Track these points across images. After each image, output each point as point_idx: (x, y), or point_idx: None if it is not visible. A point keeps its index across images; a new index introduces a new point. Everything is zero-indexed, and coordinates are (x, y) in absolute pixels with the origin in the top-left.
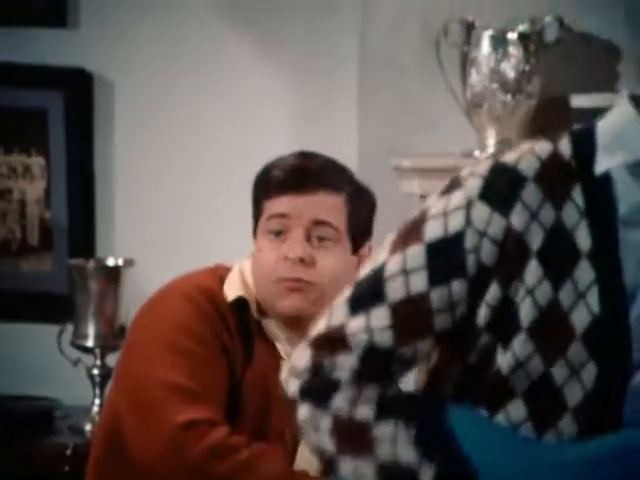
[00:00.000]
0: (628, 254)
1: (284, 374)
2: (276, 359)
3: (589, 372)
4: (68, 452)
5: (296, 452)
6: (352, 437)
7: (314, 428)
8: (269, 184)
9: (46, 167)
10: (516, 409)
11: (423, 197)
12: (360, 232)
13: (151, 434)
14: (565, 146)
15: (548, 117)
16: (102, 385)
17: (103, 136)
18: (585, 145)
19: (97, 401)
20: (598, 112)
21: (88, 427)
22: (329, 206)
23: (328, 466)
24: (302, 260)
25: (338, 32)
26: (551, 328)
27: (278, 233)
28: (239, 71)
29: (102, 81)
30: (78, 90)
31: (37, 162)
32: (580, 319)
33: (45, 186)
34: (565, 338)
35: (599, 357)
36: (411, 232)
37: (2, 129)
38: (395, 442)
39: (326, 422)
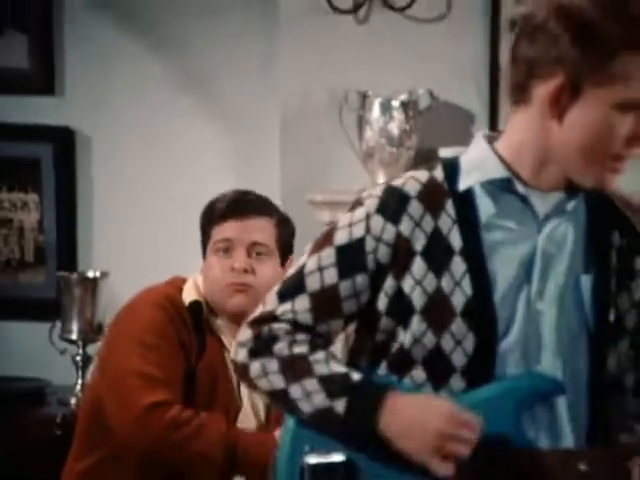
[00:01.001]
0: (489, 250)
1: (232, 353)
2: (222, 352)
3: (469, 341)
4: (58, 420)
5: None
6: (295, 367)
7: (265, 375)
8: (214, 214)
9: (39, 202)
10: (417, 374)
11: (331, 223)
12: (285, 249)
13: (125, 413)
14: (439, 172)
15: (423, 164)
16: (83, 369)
17: (83, 178)
18: (453, 170)
19: (79, 381)
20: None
21: (73, 401)
22: (262, 228)
23: (282, 400)
24: (245, 270)
25: (264, 97)
26: (437, 309)
27: (225, 251)
28: (186, 129)
29: (82, 136)
30: (64, 143)
31: (32, 198)
32: (458, 301)
33: (39, 217)
34: (449, 316)
35: (475, 329)
36: (324, 239)
37: (5, 173)
38: (328, 362)
39: (273, 364)
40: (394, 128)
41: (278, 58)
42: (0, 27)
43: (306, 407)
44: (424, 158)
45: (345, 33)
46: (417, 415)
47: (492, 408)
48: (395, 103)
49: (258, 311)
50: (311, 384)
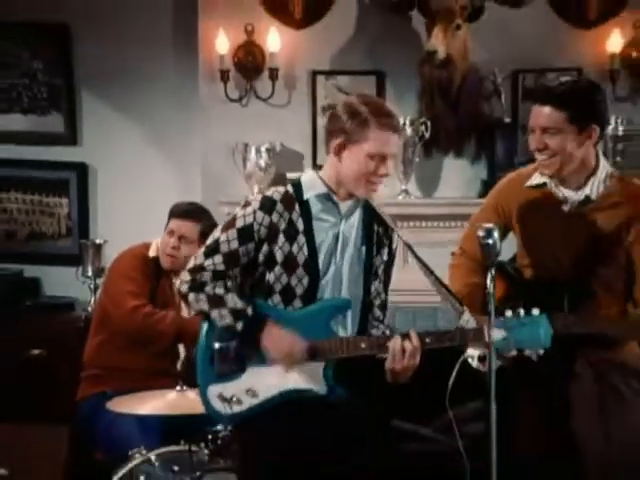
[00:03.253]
0: (317, 231)
1: (177, 285)
2: (170, 283)
3: (305, 280)
4: (82, 318)
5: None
6: (215, 300)
7: (197, 302)
8: (172, 213)
9: (68, 203)
10: (275, 298)
11: (229, 214)
12: (205, 239)
13: (120, 312)
14: (290, 188)
15: (280, 183)
16: (95, 292)
17: (92, 190)
18: (298, 188)
19: (93, 299)
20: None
21: (89, 309)
22: (191, 228)
23: (205, 317)
24: (174, 247)
25: (191, 147)
26: (289, 263)
27: (170, 234)
28: (149, 166)
29: (92, 168)
30: (81, 172)
31: (65, 201)
32: (300, 258)
33: (68, 210)
34: (295, 267)
35: (309, 273)
36: (230, 224)
37: (51, 187)
38: (234, 300)
39: (203, 297)
40: (262, 162)
41: (198, 126)
42: (48, 109)
43: (220, 323)
44: (279, 178)
45: (235, 112)
46: (277, 336)
47: (316, 316)
48: (262, 149)
49: (192, 262)
50: (224, 311)
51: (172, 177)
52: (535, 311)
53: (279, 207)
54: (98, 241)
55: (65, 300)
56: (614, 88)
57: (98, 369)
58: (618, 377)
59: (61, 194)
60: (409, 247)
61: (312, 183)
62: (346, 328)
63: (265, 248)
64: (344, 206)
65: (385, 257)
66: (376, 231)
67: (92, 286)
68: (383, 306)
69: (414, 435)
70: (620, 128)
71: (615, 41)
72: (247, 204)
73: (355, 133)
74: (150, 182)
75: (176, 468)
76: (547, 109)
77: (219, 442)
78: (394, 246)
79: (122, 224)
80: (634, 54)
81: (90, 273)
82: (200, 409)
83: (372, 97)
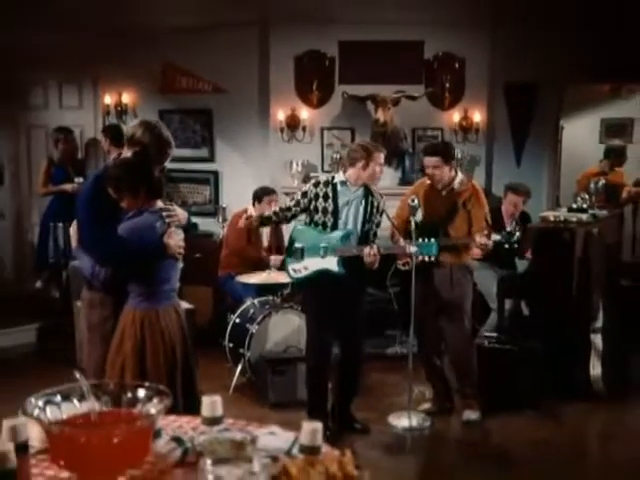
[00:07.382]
0: (340, 197)
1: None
2: (257, 230)
3: (331, 220)
4: (217, 242)
5: None
6: (281, 216)
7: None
8: (259, 194)
9: (210, 188)
10: (319, 228)
11: (288, 194)
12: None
13: (234, 247)
14: (329, 177)
15: (307, 180)
16: (223, 229)
17: (220, 182)
18: (332, 177)
19: (222, 232)
20: None
21: (220, 236)
22: (277, 197)
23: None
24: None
25: (264, 163)
26: (324, 211)
27: (269, 204)
28: (242, 173)
29: (220, 172)
30: (215, 174)
31: (208, 188)
32: (329, 209)
33: (209, 194)
34: (326, 213)
35: (333, 216)
36: (300, 191)
37: (202, 181)
38: (296, 216)
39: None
40: (299, 169)
41: (269, 153)
42: (201, 146)
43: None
44: (307, 176)
45: (287, 146)
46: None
47: (337, 237)
48: (299, 163)
49: (280, 204)
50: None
51: (256, 176)
52: (432, 240)
53: (321, 185)
54: (223, 205)
55: (209, 233)
56: (456, 138)
57: (227, 263)
58: (460, 271)
59: (206, 184)
60: (384, 210)
61: (338, 175)
62: (351, 244)
63: (313, 203)
64: (353, 188)
65: (374, 210)
66: (370, 199)
67: (221, 227)
68: (375, 234)
69: None
70: (458, 156)
71: (456, 116)
72: (309, 183)
73: (370, 157)
74: (246, 179)
75: (267, 307)
76: (433, 158)
77: (285, 296)
78: (381, 206)
79: (233, 198)
80: (464, 123)
81: (220, 220)
82: (277, 281)
83: (366, 140)
